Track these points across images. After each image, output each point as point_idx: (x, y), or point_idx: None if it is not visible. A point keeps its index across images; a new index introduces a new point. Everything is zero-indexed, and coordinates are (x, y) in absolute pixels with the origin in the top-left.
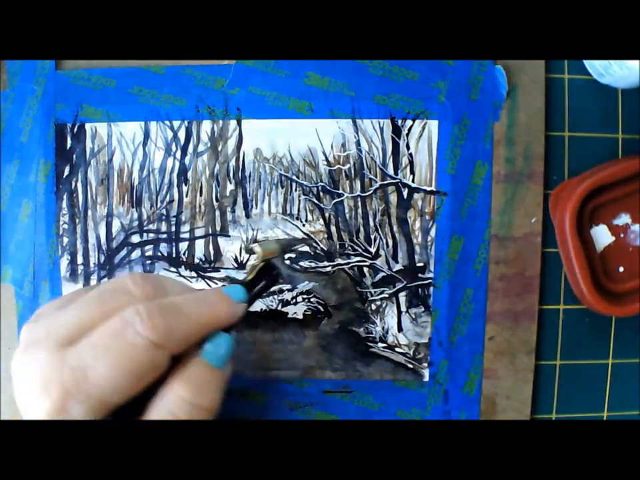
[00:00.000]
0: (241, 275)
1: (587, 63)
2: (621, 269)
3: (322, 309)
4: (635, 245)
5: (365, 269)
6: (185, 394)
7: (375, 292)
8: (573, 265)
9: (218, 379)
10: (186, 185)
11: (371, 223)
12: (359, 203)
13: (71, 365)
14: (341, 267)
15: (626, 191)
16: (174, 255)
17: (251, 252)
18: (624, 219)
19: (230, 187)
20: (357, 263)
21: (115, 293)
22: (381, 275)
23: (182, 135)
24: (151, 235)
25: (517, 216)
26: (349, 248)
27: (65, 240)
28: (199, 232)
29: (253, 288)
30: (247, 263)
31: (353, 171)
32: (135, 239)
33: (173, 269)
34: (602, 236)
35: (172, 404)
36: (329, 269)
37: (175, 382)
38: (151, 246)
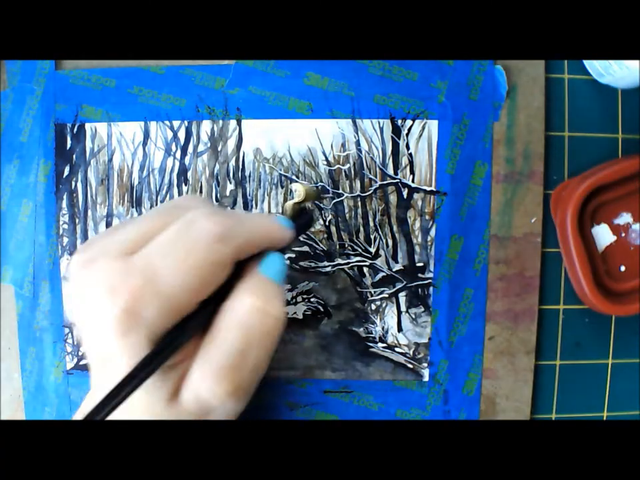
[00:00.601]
0: None
1: (586, 63)
2: (623, 268)
3: (322, 309)
4: (636, 244)
5: (365, 269)
6: (257, 302)
7: (374, 292)
8: (574, 264)
9: (279, 290)
10: (186, 185)
11: (371, 223)
12: (359, 203)
13: (138, 267)
14: (340, 266)
15: (627, 190)
16: None
17: (290, 192)
18: (625, 218)
19: (230, 186)
20: (356, 263)
21: (173, 207)
22: (380, 274)
23: (182, 135)
24: None
25: (516, 216)
26: (349, 248)
27: (65, 240)
28: None
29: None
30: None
31: (352, 171)
32: None
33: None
34: (603, 235)
35: (245, 314)
36: (328, 269)
37: (243, 293)
38: None
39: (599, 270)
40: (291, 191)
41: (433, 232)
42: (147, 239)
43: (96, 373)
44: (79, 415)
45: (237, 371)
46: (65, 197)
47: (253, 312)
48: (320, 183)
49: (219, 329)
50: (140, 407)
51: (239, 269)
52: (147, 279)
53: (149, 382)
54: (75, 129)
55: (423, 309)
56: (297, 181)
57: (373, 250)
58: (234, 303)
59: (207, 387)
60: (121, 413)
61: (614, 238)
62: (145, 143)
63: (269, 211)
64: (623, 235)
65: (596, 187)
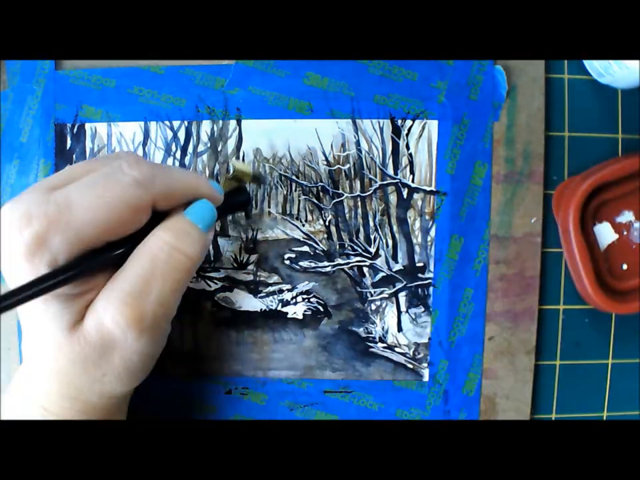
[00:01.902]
0: (237, 274)
1: (586, 63)
2: (625, 267)
3: (322, 309)
4: (638, 242)
5: (365, 269)
6: (167, 236)
7: (374, 292)
8: (576, 263)
9: (199, 235)
10: None
11: (371, 223)
12: (359, 203)
13: (56, 199)
14: (340, 266)
15: (629, 189)
16: None
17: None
18: (627, 216)
19: None
20: (356, 263)
21: (105, 157)
22: (380, 275)
23: (182, 135)
24: None
25: (516, 216)
26: (349, 248)
27: None
28: None
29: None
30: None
31: (352, 171)
32: None
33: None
34: (605, 233)
35: (153, 245)
36: (328, 269)
37: (157, 229)
38: None
39: (601, 268)
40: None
41: (432, 232)
42: (74, 179)
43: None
44: None
45: (140, 300)
46: None
47: (161, 244)
48: (320, 183)
49: (128, 261)
50: (42, 332)
51: (163, 216)
52: (61, 212)
53: (53, 308)
54: (75, 129)
55: (422, 309)
56: (241, 162)
57: (372, 250)
58: (148, 237)
59: (109, 314)
60: (27, 330)
61: (616, 236)
62: (144, 143)
63: (269, 212)
64: (625, 233)
65: (598, 185)
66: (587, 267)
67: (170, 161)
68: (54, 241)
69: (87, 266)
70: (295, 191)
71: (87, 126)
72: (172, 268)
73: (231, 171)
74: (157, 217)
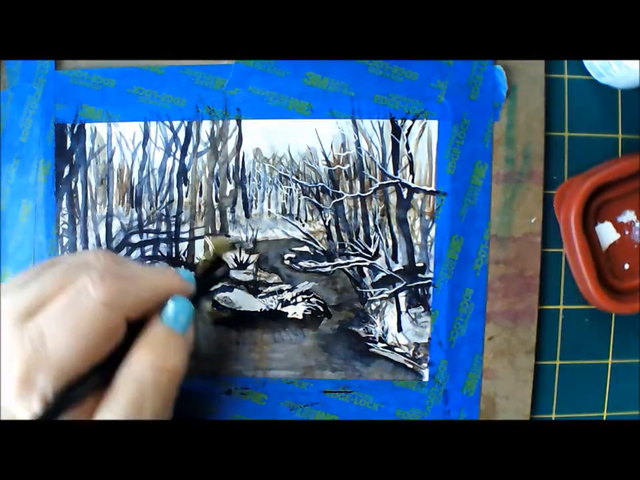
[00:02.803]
0: (237, 274)
1: (586, 63)
2: (626, 266)
3: (322, 309)
4: (639, 242)
5: (365, 269)
6: (150, 358)
7: (374, 292)
8: (578, 263)
9: (180, 342)
10: (186, 185)
11: (371, 223)
12: (359, 203)
13: (29, 336)
14: (340, 267)
15: (630, 188)
16: (174, 255)
17: (205, 246)
18: (629, 216)
19: (230, 187)
20: (356, 263)
21: (76, 267)
22: (380, 275)
23: (182, 135)
24: (151, 235)
25: (516, 216)
26: (349, 248)
27: (65, 240)
28: (198, 232)
29: (204, 280)
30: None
31: (352, 171)
32: (135, 239)
33: (172, 269)
34: (607, 233)
35: (139, 370)
36: (328, 269)
37: (139, 348)
38: (151, 246)
39: (602, 268)
40: (206, 245)
41: (432, 232)
42: (42, 303)
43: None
44: None
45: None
46: (64, 197)
47: (146, 368)
48: (320, 183)
49: (117, 385)
50: None
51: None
52: (37, 349)
53: None
54: (75, 129)
55: (422, 309)
56: (212, 235)
57: (372, 250)
58: (132, 357)
59: None
60: None
61: (618, 236)
62: (144, 143)
63: (269, 212)
64: (627, 233)
65: (600, 184)
66: (589, 267)
67: (170, 160)
68: (39, 379)
69: (75, 396)
70: (295, 191)
71: (87, 126)
72: (161, 388)
73: (210, 251)
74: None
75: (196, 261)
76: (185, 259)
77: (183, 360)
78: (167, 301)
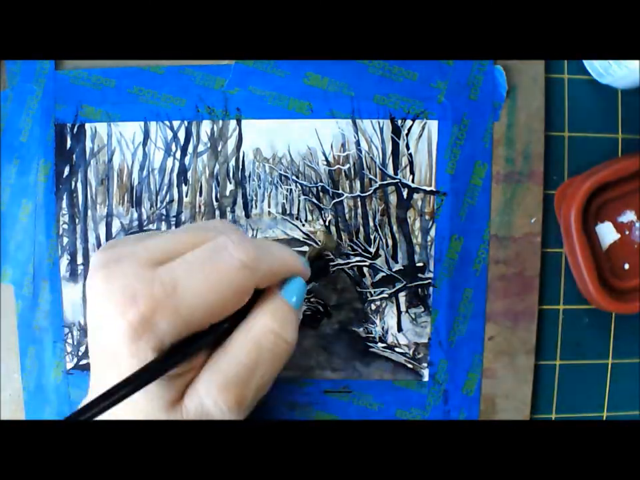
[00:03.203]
0: None
1: (586, 63)
2: (627, 266)
3: (322, 309)
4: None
5: (365, 269)
6: (273, 325)
7: (374, 292)
8: (578, 263)
9: (295, 318)
10: (186, 185)
11: (371, 223)
12: (359, 203)
13: (162, 279)
14: (340, 266)
15: (630, 188)
16: None
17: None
18: (629, 216)
19: (230, 187)
20: (356, 263)
21: (206, 228)
22: (380, 275)
23: (182, 135)
24: None
25: (516, 216)
26: (349, 248)
27: (65, 240)
28: None
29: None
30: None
31: (352, 171)
32: None
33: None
34: (607, 233)
35: (260, 333)
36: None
37: (261, 314)
38: None
39: (603, 268)
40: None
41: (432, 232)
42: (176, 253)
43: (97, 375)
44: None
45: (243, 387)
46: (64, 197)
47: (267, 333)
48: (320, 183)
49: (232, 345)
50: (140, 411)
51: (260, 290)
52: (168, 294)
53: (152, 388)
54: (75, 129)
55: (422, 309)
56: (325, 231)
57: (372, 250)
58: (252, 321)
59: (211, 398)
60: (121, 416)
61: (618, 236)
62: (144, 143)
63: (269, 212)
64: (627, 232)
65: (600, 184)
66: (589, 267)
67: (170, 161)
68: (160, 324)
69: (192, 349)
70: (295, 191)
71: (87, 126)
72: (275, 356)
73: (320, 243)
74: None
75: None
76: None
77: (296, 335)
78: (288, 279)
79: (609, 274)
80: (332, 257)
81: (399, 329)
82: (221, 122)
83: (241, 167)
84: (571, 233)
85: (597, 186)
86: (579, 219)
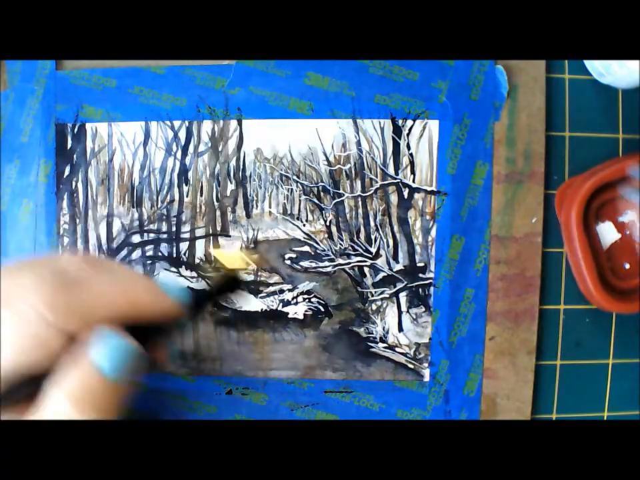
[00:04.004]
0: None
1: (587, 63)
2: (627, 266)
3: (322, 309)
4: None
5: (366, 269)
6: (65, 407)
7: (375, 292)
8: (579, 262)
9: (108, 391)
10: (186, 185)
11: (372, 223)
12: (360, 203)
13: None
14: (341, 267)
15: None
16: (174, 255)
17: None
18: (629, 215)
19: (230, 186)
20: (357, 263)
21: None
22: (381, 275)
23: (182, 135)
24: (152, 235)
25: (517, 216)
26: (350, 248)
27: (66, 240)
28: (199, 232)
29: (216, 292)
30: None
31: (353, 171)
32: (136, 239)
33: (173, 269)
34: (608, 233)
35: (53, 413)
36: (329, 269)
37: (56, 388)
38: (152, 246)
39: (603, 268)
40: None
41: (433, 232)
42: None
43: None
44: None
45: None
46: (65, 197)
47: (60, 414)
48: (321, 183)
49: (38, 412)
50: None
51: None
52: None
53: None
54: (76, 129)
55: (423, 309)
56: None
57: (373, 250)
58: (50, 390)
59: None
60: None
61: (618, 236)
62: (145, 143)
63: (270, 211)
64: (628, 232)
65: (602, 184)
66: (590, 266)
67: (170, 160)
68: None
69: (11, 400)
70: (296, 191)
71: (88, 126)
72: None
73: (231, 265)
74: None
75: (197, 261)
76: (185, 259)
77: (111, 409)
78: (105, 334)
79: (610, 274)
80: (240, 278)
81: (400, 329)
82: (221, 122)
83: (241, 166)
84: (572, 233)
85: (597, 186)
86: (580, 218)
